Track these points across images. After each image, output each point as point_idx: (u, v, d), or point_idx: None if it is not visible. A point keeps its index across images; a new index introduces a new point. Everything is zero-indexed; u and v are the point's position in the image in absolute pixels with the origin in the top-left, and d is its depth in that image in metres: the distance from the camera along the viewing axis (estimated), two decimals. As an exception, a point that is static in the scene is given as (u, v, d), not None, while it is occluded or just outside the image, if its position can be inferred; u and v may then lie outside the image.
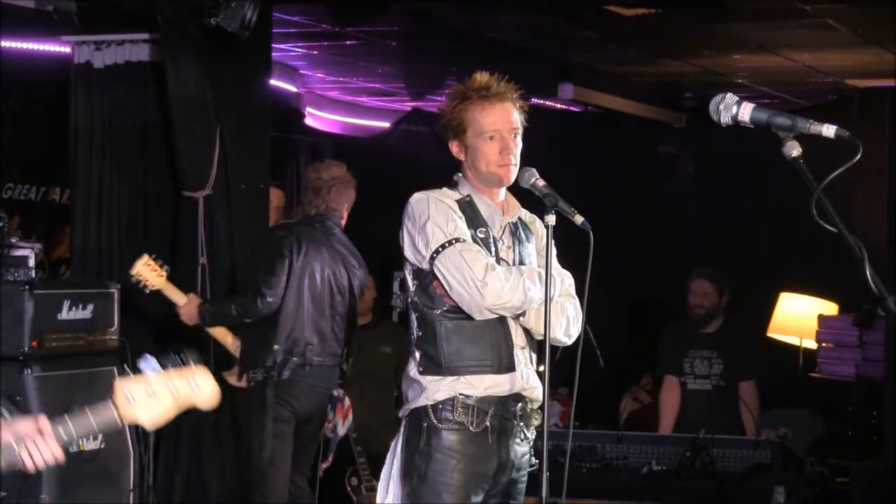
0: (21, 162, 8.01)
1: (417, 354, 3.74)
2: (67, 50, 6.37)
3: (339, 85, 9.54)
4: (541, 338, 3.64)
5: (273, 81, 7.08)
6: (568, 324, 3.72)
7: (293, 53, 8.07)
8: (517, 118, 3.75)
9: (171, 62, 5.86)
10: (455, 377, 3.67)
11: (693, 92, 9.45)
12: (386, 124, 10.19)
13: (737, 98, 2.65)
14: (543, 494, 3.45)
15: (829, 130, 2.52)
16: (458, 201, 3.75)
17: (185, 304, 5.68)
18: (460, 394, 3.66)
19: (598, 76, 8.49)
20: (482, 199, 3.77)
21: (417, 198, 3.75)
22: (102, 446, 5.18)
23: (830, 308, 7.89)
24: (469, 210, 3.74)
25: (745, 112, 2.63)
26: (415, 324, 3.78)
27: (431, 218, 3.67)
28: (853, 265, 2.45)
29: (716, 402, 6.91)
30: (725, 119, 2.66)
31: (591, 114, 9.41)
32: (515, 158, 3.72)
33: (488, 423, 3.67)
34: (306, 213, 5.89)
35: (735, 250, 8.72)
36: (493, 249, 3.72)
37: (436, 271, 3.65)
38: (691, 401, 6.96)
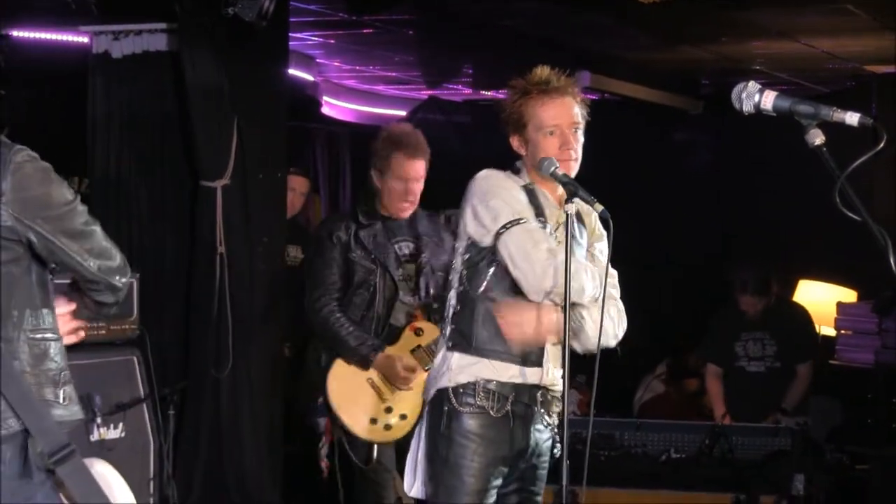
0: (39, 152, 7.96)
1: (449, 329, 3.73)
2: (85, 40, 6.38)
3: (355, 74, 9.54)
4: (591, 345, 3.63)
5: (290, 70, 7.08)
6: (614, 326, 3.70)
7: (310, 42, 8.07)
8: (578, 112, 3.71)
9: (188, 52, 5.86)
10: (481, 359, 3.66)
11: (710, 79, 9.43)
12: (402, 113, 10.18)
13: (759, 86, 2.64)
14: (564, 482, 3.44)
15: (852, 118, 2.51)
16: (522, 187, 3.72)
17: None
18: (483, 378, 3.66)
19: (615, 63, 8.47)
20: (542, 191, 3.74)
21: (485, 174, 3.72)
22: (123, 435, 5.21)
23: (849, 295, 7.89)
24: (532, 198, 3.72)
25: (768, 100, 2.62)
26: (454, 298, 3.75)
27: (500, 194, 3.65)
28: (872, 252, 2.44)
29: (769, 384, 6.98)
30: (748, 107, 2.65)
31: (608, 101, 9.39)
32: (576, 153, 3.68)
33: (509, 409, 3.67)
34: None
35: (752, 238, 8.70)
36: None
37: (500, 247, 3.62)
38: (747, 383, 7.02)
